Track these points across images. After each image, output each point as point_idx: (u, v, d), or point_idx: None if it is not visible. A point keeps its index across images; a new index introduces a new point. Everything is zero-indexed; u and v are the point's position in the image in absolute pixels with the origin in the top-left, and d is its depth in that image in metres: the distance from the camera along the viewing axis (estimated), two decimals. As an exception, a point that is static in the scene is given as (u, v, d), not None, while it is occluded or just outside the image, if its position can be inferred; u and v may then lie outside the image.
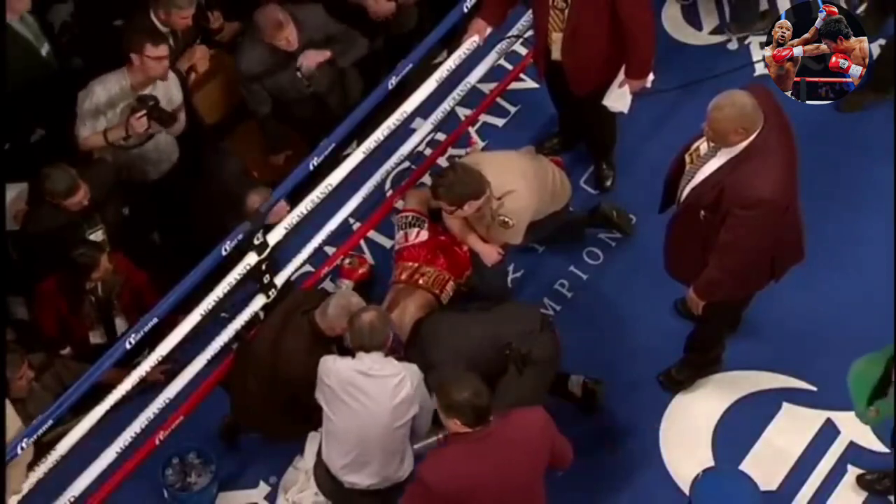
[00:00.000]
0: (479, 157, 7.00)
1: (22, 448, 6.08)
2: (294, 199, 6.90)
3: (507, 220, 6.76)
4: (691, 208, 6.18)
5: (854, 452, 6.89)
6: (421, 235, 7.29)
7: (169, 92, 7.29)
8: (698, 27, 8.34)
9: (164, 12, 7.31)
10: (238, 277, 6.66)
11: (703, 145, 6.19)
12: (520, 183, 6.75)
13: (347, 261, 7.42)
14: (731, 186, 5.98)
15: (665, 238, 6.53)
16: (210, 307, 6.58)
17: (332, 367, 6.18)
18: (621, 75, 6.98)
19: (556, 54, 7.01)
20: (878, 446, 6.83)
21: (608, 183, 7.69)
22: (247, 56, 7.48)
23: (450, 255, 7.21)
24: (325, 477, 6.39)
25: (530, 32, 7.52)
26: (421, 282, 7.16)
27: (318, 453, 6.40)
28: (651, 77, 7.03)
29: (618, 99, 7.06)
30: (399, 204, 7.54)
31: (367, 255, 7.58)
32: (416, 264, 7.22)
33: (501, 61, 7.80)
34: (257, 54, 7.45)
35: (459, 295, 7.27)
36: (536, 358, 6.51)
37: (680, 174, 6.30)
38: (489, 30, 7.15)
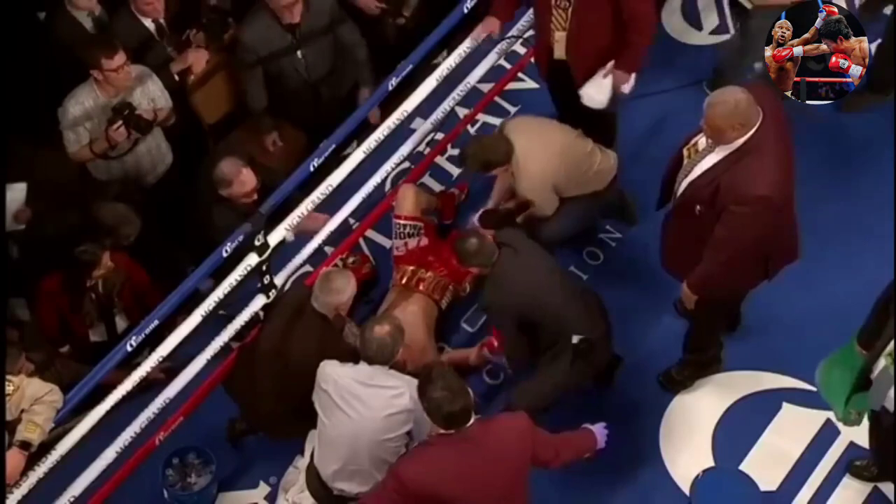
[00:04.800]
0: (512, 125, 7.05)
1: None
2: (294, 199, 6.89)
3: (528, 198, 6.93)
4: (687, 203, 6.20)
5: (854, 452, 6.89)
6: (421, 242, 7.30)
7: (149, 92, 7.25)
8: (698, 27, 8.34)
9: (134, 4, 7.30)
10: (239, 278, 6.65)
11: (701, 140, 6.20)
12: (535, 159, 6.86)
13: (351, 259, 7.42)
14: (727, 183, 6.00)
15: (661, 233, 6.55)
16: (210, 308, 6.57)
17: (331, 373, 6.18)
18: (609, 66, 6.95)
19: (559, 53, 7.02)
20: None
21: (608, 183, 7.70)
22: (251, 28, 7.49)
23: (449, 260, 7.21)
24: (315, 481, 6.39)
25: (530, 32, 7.53)
26: (421, 287, 7.17)
27: (312, 456, 6.40)
28: (634, 78, 6.99)
29: (598, 89, 6.99)
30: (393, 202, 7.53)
31: (369, 255, 7.58)
32: (416, 268, 7.22)
33: (501, 61, 7.80)
34: (262, 27, 7.46)
35: (458, 301, 7.32)
36: (593, 361, 6.65)
37: (678, 171, 6.31)
38: (500, 25, 7.12)
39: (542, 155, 6.90)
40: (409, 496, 5.58)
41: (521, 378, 6.85)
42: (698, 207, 6.14)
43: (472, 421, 5.60)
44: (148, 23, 7.38)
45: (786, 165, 6.07)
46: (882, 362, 6.00)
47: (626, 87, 7.03)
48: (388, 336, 6.11)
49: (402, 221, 7.35)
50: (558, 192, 7.01)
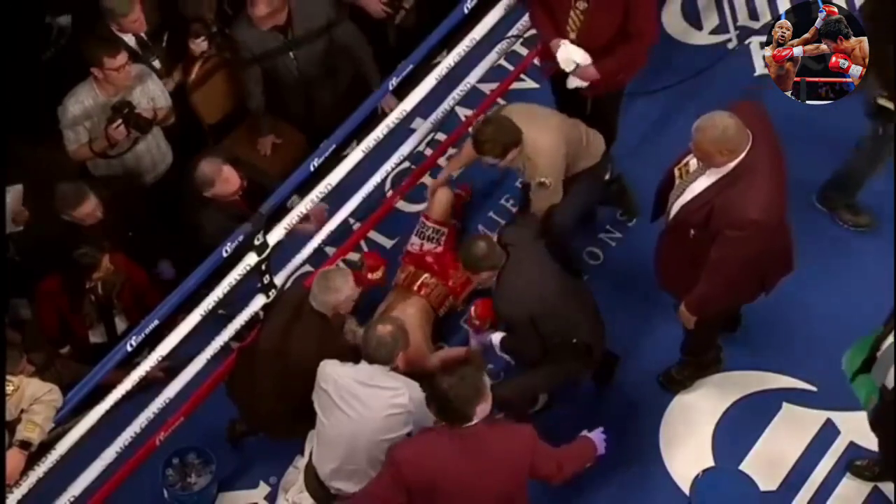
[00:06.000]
0: (508, 110, 7.00)
1: None
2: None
3: (543, 180, 6.84)
4: (681, 226, 6.21)
5: (854, 452, 6.89)
6: (437, 249, 7.29)
7: (149, 91, 7.26)
8: (698, 27, 8.34)
9: (115, 24, 7.28)
10: (238, 278, 6.66)
11: (692, 161, 6.20)
12: (544, 137, 6.81)
13: (370, 271, 7.31)
14: (720, 207, 6.01)
15: (655, 252, 6.56)
16: (210, 308, 6.58)
17: (331, 373, 6.18)
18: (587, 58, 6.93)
19: None
20: (877, 446, 6.83)
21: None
22: (242, 29, 7.51)
23: (455, 272, 7.20)
24: (313, 481, 6.39)
25: (531, 32, 7.52)
26: (423, 293, 7.15)
27: (311, 455, 6.40)
28: (585, 84, 6.98)
29: (579, 56, 6.91)
30: (420, 206, 7.50)
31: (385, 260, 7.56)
32: (422, 271, 7.21)
33: (502, 62, 7.80)
34: (254, 33, 7.48)
35: (454, 312, 7.33)
36: (588, 362, 6.68)
37: (670, 187, 6.31)
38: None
39: (546, 131, 6.84)
40: (403, 481, 5.59)
41: (512, 374, 6.93)
42: (692, 231, 6.15)
43: (475, 421, 5.61)
44: (128, 38, 7.36)
45: (778, 185, 6.07)
46: (890, 339, 6.02)
47: (576, 82, 6.99)
48: (389, 335, 6.11)
49: (429, 223, 7.33)
50: (568, 169, 6.97)
